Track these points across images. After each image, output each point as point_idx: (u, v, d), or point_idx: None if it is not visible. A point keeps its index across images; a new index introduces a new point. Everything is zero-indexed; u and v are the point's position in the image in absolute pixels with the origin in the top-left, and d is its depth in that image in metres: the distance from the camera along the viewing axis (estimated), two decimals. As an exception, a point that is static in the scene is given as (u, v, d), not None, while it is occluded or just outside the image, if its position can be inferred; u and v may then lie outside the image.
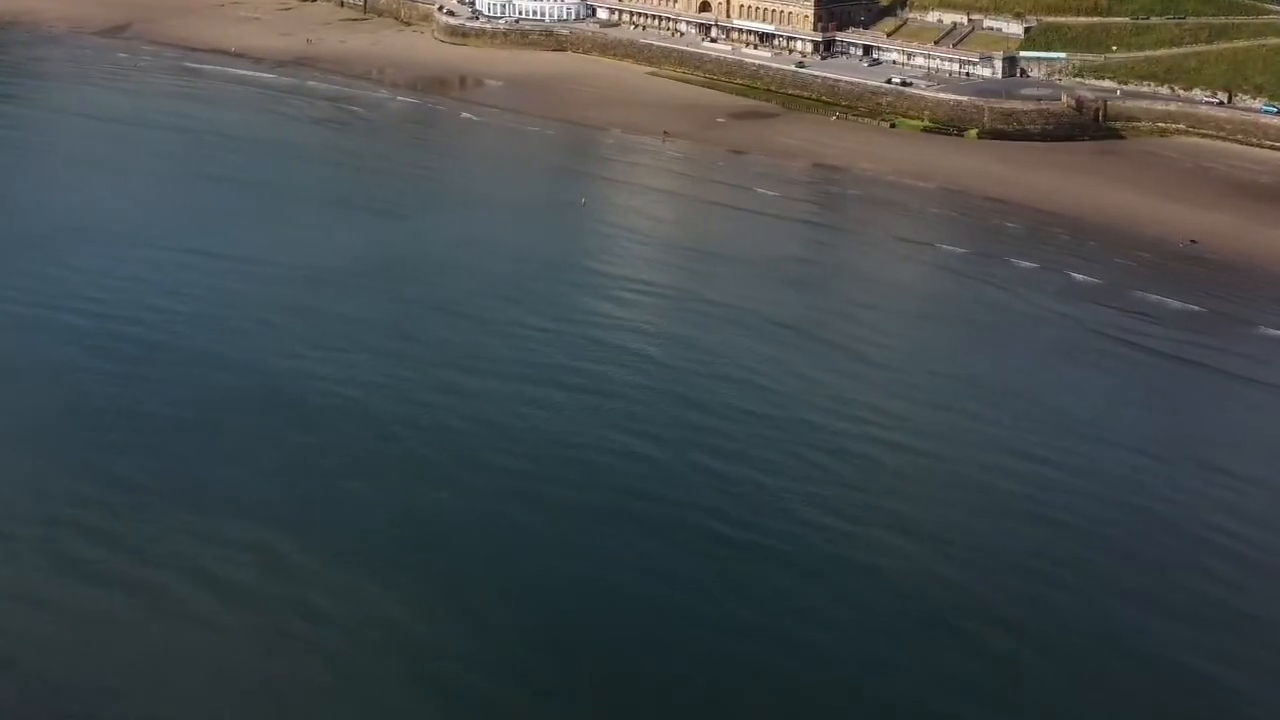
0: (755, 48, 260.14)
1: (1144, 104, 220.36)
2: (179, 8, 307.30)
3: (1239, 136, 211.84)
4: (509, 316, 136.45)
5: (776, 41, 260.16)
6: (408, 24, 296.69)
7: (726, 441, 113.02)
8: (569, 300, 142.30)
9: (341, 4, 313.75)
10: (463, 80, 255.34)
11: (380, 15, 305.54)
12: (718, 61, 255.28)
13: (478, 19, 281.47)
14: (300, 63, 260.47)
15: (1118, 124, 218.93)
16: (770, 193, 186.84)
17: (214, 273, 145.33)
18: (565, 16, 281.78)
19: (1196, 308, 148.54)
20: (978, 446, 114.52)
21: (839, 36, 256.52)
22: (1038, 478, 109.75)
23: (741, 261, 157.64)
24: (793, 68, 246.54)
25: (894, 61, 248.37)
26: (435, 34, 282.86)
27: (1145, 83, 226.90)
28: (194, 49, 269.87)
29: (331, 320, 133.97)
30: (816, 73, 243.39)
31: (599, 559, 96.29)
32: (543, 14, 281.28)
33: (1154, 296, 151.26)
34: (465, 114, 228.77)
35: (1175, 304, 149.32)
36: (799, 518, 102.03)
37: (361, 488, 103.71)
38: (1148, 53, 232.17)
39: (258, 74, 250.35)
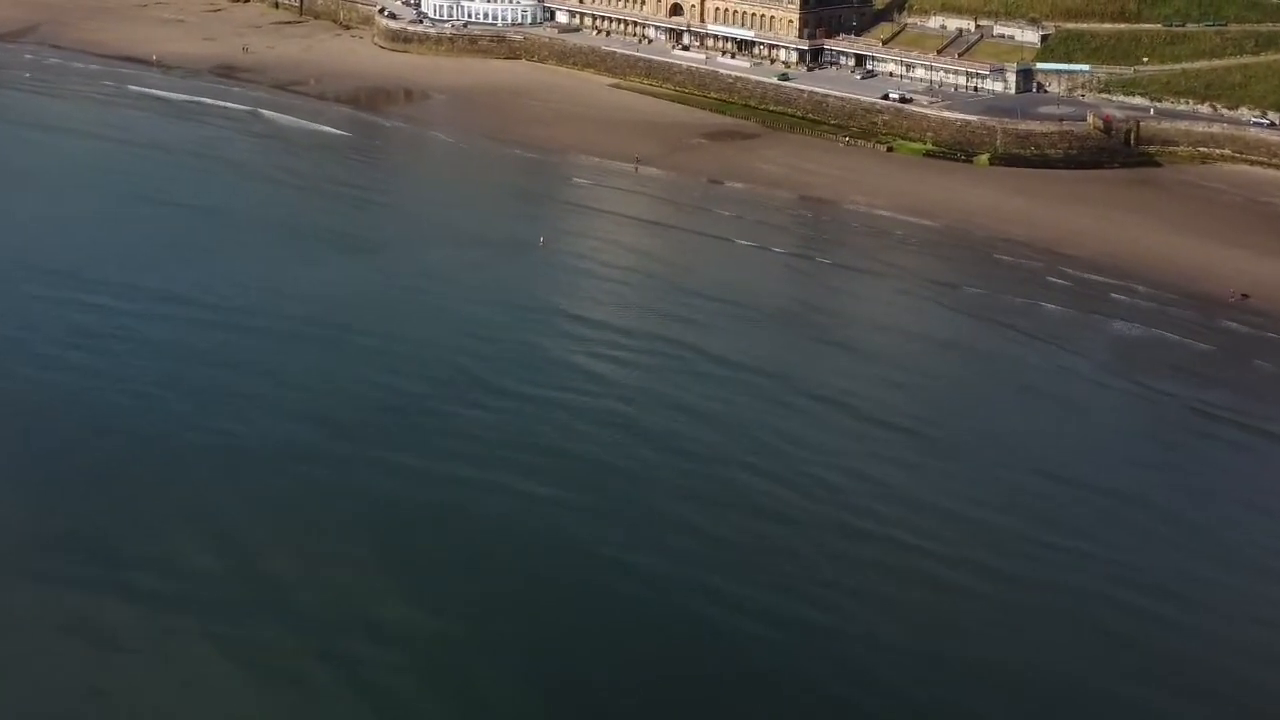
0: (733, 56, 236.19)
1: (1182, 125, 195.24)
2: (96, 8, 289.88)
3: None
4: (462, 377, 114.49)
5: (757, 50, 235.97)
6: (347, 27, 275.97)
7: (748, 557, 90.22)
8: (538, 359, 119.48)
9: (276, 5, 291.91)
10: (407, 93, 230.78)
11: (318, 17, 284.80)
12: (690, 72, 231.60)
13: (422, 22, 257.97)
14: (219, 72, 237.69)
15: (1152, 148, 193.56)
16: (758, 228, 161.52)
17: (110, 313, 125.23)
18: (520, 20, 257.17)
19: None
20: (1080, 570, 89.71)
21: (828, 44, 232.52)
22: (1168, 620, 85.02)
23: (743, 315, 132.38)
24: (775, 80, 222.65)
25: (891, 74, 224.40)
26: (375, 39, 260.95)
27: (1183, 100, 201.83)
28: (107, 55, 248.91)
29: (246, 377, 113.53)
30: (802, 86, 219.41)
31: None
32: (494, 17, 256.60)
33: (1257, 361, 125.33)
34: (404, 133, 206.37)
35: (1271, 369, 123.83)
36: (849, 667, 79.87)
37: (275, 612, 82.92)
38: (1184, 65, 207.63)
39: (172, 81, 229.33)
